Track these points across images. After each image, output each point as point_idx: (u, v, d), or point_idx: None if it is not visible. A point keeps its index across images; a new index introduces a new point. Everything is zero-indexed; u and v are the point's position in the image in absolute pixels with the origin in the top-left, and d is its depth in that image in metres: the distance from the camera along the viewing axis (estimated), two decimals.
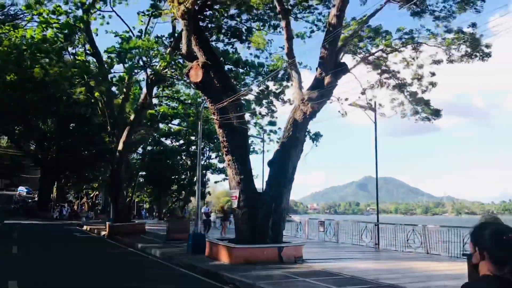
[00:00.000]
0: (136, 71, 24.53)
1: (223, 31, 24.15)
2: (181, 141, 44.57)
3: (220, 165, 44.47)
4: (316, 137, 18.39)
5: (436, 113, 19.24)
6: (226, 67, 23.89)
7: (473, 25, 15.43)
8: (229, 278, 11.96)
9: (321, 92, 15.95)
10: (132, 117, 26.00)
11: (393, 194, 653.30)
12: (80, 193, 75.46)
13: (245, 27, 24.03)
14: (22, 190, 78.27)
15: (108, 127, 27.54)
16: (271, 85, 23.34)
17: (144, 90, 26.31)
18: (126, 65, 21.25)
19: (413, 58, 19.24)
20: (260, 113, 22.78)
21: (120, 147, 25.84)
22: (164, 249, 18.65)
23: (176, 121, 40.17)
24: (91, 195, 74.81)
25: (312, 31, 23.16)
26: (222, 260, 14.89)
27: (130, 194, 60.09)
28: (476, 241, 2.34)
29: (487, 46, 16.38)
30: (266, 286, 10.53)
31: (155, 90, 28.77)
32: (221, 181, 47.18)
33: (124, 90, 27.81)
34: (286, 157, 16.20)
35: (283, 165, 16.13)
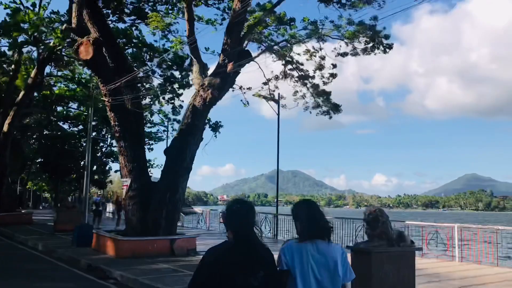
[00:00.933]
0: (25, 46, 22.29)
1: (126, 10, 22.68)
2: (81, 126, 41.77)
3: None
4: (216, 126, 17.78)
5: (336, 108, 19.49)
6: (129, 50, 22.49)
7: (375, 18, 15.66)
8: (111, 273, 11.02)
9: (223, 79, 15.38)
10: (20, 97, 23.64)
11: (300, 186, 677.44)
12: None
13: (150, 9, 22.73)
14: None
15: None
16: (177, 73, 22.33)
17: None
18: (11, 40, 19.11)
19: (317, 50, 19.30)
20: (164, 98, 21.56)
21: (5, 128, 23.39)
22: (48, 241, 17.09)
23: (76, 105, 37.60)
24: None
25: (224, 19, 22.48)
26: (108, 253, 13.83)
27: (25, 182, 55.92)
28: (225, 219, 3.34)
29: (386, 37, 16.74)
30: (148, 281, 9.76)
31: (50, 70, 26.52)
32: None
33: (12, 67, 25.25)
34: (183, 145, 15.43)
35: (180, 153, 15.35)
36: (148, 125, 31.48)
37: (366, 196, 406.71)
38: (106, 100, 15.16)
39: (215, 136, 17.68)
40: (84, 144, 45.42)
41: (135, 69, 17.24)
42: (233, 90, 17.70)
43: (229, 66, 15.42)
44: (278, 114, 22.03)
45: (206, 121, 16.26)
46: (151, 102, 22.49)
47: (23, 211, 27.01)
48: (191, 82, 18.07)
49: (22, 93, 23.66)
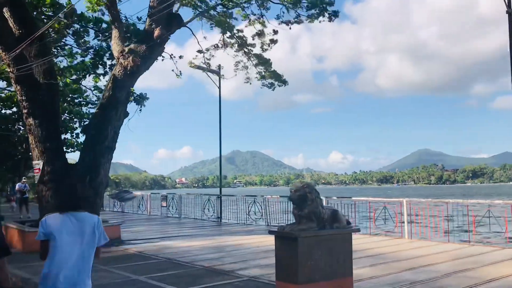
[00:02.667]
0: None
1: None
2: (14, 109, 38.63)
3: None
4: (141, 99, 16.01)
5: (279, 78, 18.12)
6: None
7: None
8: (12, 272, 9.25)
9: (150, 47, 13.61)
10: None
11: (259, 167, 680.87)
12: None
13: None
14: None
15: None
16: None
17: None
18: None
19: (259, 17, 17.77)
20: (90, 72, 19.37)
21: None
22: None
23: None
24: None
25: None
26: (16, 247, 12.00)
27: None
28: None
29: (330, 3, 15.42)
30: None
31: None
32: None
33: None
34: (104, 121, 13.59)
35: (101, 130, 13.52)
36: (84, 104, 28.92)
37: (324, 174, 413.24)
38: (10, 71, 13.10)
39: (140, 110, 15.93)
40: (23, 128, 42.35)
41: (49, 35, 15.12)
42: (162, 59, 15.90)
43: (156, 32, 13.60)
44: (220, 88, 20.44)
45: (131, 93, 14.46)
46: (80, 77, 20.29)
47: None
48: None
49: None
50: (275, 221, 17.05)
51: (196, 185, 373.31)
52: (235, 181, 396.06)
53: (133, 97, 15.04)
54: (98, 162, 13.37)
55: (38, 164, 13.02)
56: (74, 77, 20.41)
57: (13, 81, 13.21)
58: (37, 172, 13.06)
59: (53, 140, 13.17)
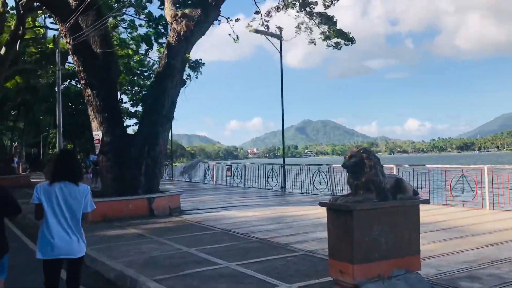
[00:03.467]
0: None
1: None
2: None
3: (133, 109, 40.53)
4: (197, 65, 15.47)
5: (345, 36, 16.91)
6: None
7: None
8: None
9: (203, 9, 13.03)
10: (2, 51, 21.81)
11: (330, 136, 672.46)
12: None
13: None
14: None
15: None
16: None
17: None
18: None
19: None
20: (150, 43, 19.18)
21: None
22: (27, 206, 15.58)
23: None
24: (15, 147, 68.36)
25: None
26: None
27: (46, 144, 55.40)
28: None
29: None
30: (95, 252, 7.94)
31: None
32: (132, 125, 43.02)
33: None
34: (161, 90, 13.34)
35: (158, 99, 13.29)
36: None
37: (399, 142, 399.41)
38: (66, 41, 13.07)
39: (196, 76, 15.44)
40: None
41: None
42: (219, 23, 15.28)
43: None
44: (281, 52, 19.52)
45: (186, 61, 13.98)
46: (140, 48, 20.24)
47: (21, 174, 25.83)
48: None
49: (3, 49, 21.83)
50: (340, 191, 16.19)
51: (268, 155, 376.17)
52: (306, 151, 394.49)
53: (188, 65, 14.57)
54: (156, 132, 13.18)
55: (97, 135, 13.03)
56: (134, 48, 20.42)
57: (70, 52, 13.16)
58: (97, 143, 13.08)
59: (111, 110, 13.09)
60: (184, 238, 9.06)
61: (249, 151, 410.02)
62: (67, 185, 4.42)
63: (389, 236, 5.30)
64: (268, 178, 19.93)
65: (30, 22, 24.81)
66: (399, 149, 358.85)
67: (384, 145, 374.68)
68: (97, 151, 13.28)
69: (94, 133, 13.33)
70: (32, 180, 24.05)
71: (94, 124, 13.15)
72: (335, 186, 16.38)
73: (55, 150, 64.01)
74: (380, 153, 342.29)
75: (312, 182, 17.50)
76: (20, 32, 21.57)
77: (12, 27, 21.95)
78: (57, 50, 16.85)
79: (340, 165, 15.58)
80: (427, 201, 5.70)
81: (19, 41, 22.25)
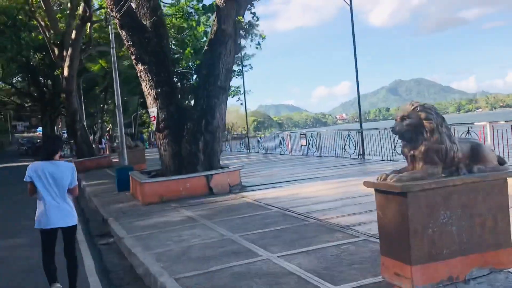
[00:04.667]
0: None
1: None
2: None
3: None
4: (250, 27, 13.98)
5: None
6: None
7: None
8: (112, 229, 8.76)
9: None
10: (72, 36, 22.13)
11: (425, 95, 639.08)
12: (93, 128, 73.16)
13: None
14: (41, 130, 77.48)
15: (55, 51, 23.78)
16: None
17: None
18: None
19: None
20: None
21: (65, 72, 22.30)
22: (104, 186, 15.65)
23: None
24: (108, 129, 72.56)
25: None
26: (138, 198, 11.71)
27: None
28: None
29: None
30: (133, 240, 7.25)
31: None
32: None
33: (69, 5, 23.74)
34: (214, 58, 12.33)
35: (212, 69, 12.32)
36: None
37: (502, 96, 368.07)
38: (113, 15, 12.45)
39: (251, 39, 14.11)
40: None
41: None
42: None
43: None
44: (351, 4, 17.59)
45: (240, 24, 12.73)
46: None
47: (102, 155, 26.64)
48: None
49: (73, 32, 22.12)
50: None
51: (357, 119, 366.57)
52: None
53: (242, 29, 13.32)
54: (212, 104, 12.27)
55: (152, 111, 12.41)
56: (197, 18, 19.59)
57: (118, 27, 12.54)
58: (153, 120, 12.47)
59: (164, 85, 12.35)
60: (233, 221, 8.09)
61: (337, 116, 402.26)
62: (54, 163, 5.09)
63: (463, 224, 3.85)
64: (344, 145, 18.39)
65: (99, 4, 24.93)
66: (501, 104, 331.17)
67: (485, 101, 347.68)
68: (153, 129, 12.69)
69: (149, 110, 12.75)
70: (114, 160, 24.59)
71: (149, 100, 12.53)
72: None
73: (144, 130, 66.53)
74: (480, 109, 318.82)
75: (393, 147, 15.71)
76: (87, 14, 21.67)
77: (80, 10, 22.14)
78: (109, 27, 16.40)
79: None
80: None
81: (88, 23, 22.43)
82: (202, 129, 12.17)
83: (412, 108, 3.91)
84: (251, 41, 14.37)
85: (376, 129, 16.76)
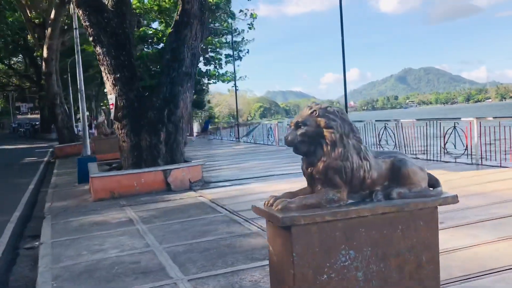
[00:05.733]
0: None
1: None
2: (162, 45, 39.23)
3: (204, 68, 39.00)
4: (216, 8, 12.74)
5: None
6: None
7: None
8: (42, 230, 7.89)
9: None
10: (51, 16, 21.13)
11: (434, 84, 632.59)
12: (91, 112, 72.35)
13: None
14: None
15: (35, 31, 22.85)
16: None
17: None
18: None
19: None
20: None
21: (45, 54, 21.37)
22: (64, 178, 14.77)
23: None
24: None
25: None
26: (91, 194, 10.84)
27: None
28: None
29: None
30: (50, 248, 6.37)
31: None
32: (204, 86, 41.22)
33: None
34: (179, 42, 11.38)
35: (176, 54, 11.37)
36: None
37: None
38: None
39: (214, 22, 13.08)
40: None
41: None
42: None
43: None
44: None
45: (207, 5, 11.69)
46: None
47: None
48: None
49: (52, 12, 21.12)
50: (410, 151, 13.34)
51: (365, 107, 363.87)
52: (407, 101, 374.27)
53: (208, 9, 12.25)
54: (176, 92, 11.34)
55: (111, 98, 11.47)
56: None
57: (74, 5, 11.56)
58: (112, 107, 11.55)
59: (124, 70, 11.39)
60: (172, 226, 7.17)
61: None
62: None
63: (373, 268, 2.88)
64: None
65: None
66: (511, 95, 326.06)
67: (495, 91, 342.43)
68: (111, 117, 11.78)
69: (108, 96, 11.82)
70: None
71: (107, 86, 11.60)
72: (405, 144, 13.49)
73: None
74: (490, 100, 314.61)
75: (378, 141, 14.70)
76: None
77: None
78: (71, 6, 15.40)
79: (409, 120, 12.57)
80: (455, 199, 3.11)
81: (70, 4, 21.38)
82: (164, 119, 11.26)
83: (310, 112, 2.94)
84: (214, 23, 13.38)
85: (361, 121, 15.70)
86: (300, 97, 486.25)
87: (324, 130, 2.86)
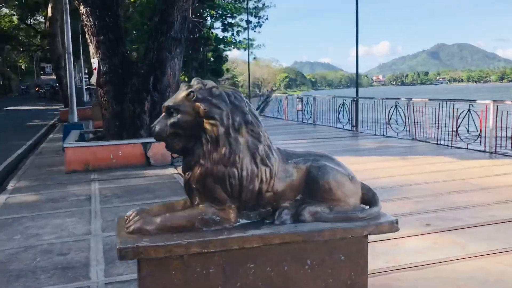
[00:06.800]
0: None
1: None
2: None
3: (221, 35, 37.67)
4: None
5: None
6: None
7: None
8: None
9: None
10: None
11: (467, 61, 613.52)
12: None
13: None
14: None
15: None
16: None
17: None
18: None
19: None
20: None
21: (49, 13, 20.64)
22: (53, 144, 14.19)
23: None
24: None
25: None
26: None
27: None
28: None
29: None
30: None
31: None
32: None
33: None
34: (168, 3, 10.42)
35: (165, 16, 10.43)
36: None
37: None
38: None
39: None
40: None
41: None
42: None
43: None
44: None
45: None
46: None
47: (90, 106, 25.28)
48: None
49: None
50: (421, 133, 12.26)
51: (394, 82, 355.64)
52: (437, 77, 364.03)
53: None
54: (163, 58, 10.46)
55: (94, 63, 10.67)
56: None
57: None
58: (95, 73, 10.77)
59: (108, 32, 10.53)
60: (128, 209, 6.38)
61: (374, 78, 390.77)
62: None
63: None
64: (338, 114, 16.32)
65: None
66: None
67: None
68: (93, 82, 11.00)
69: (92, 60, 11.02)
70: None
71: (91, 49, 10.77)
72: (415, 126, 12.40)
73: None
74: None
75: (388, 121, 13.62)
76: None
77: None
78: None
79: (421, 99, 11.47)
80: (391, 227, 2.20)
81: None
82: (149, 87, 10.43)
83: (186, 93, 2.04)
84: None
85: (372, 98, 14.58)
86: (328, 69, 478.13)
87: (204, 120, 1.97)
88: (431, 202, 6.11)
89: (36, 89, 63.72)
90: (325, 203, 2.10)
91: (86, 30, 10.66)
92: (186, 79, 44.82)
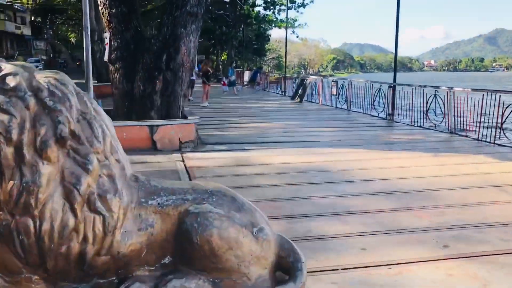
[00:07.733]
0: None
1: None
2: None
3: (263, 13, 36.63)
4: None
5: None
6: None
7: None
8: None
9: None
10: None
11: None
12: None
13: None
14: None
15: None
16: None
17: None
18: None
19: None
20: None
21: None
22: None
23: None
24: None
25: None
26: None
27: None
28: None
29: None
30: None
31: None
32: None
33: None
34: None
35: None
36: None
37: None
38: None
39: None
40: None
41: None
42: None
43: None
44: None
45: None
46: None
47: None
48: None
49: None
50: (461, 124, 11.02)
51: (446, 68, 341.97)
52: (494, 64, 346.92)
53: None
54: (177, 34, 9.67)
55: (106, 37, 10.06)
56: None
57: None
58: (107, 48, 10.16)
59: (121, 4, 9.84)
60: None
61: (425, 63, 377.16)
62: None
63: None
64: (373, 101, 15.13)
65: None
66: None
67: None
68: (105, 58, 10.38)
69: (104, 34, 10.40)
70: None
71: (103, 23, 10.16)
72: (455, 117, 11.15)
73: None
74: None
75: (426, 111, 12.39)
76: None
77: None
78: None
79: (464, 89, 10.38)
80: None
81: None
82: (162, 65, 9.69)
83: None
84: None
85: (410, 85, 13.32)
86: (377, 51, 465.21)
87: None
88: (456, 215, 5.09)
89: (78, 63, 64.94)
90: (207, 273, 1.26)
91: (99, 2, 10.02)
92: (227, 57, 44.19)
